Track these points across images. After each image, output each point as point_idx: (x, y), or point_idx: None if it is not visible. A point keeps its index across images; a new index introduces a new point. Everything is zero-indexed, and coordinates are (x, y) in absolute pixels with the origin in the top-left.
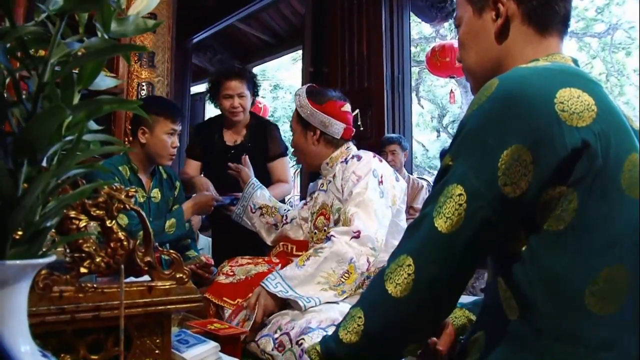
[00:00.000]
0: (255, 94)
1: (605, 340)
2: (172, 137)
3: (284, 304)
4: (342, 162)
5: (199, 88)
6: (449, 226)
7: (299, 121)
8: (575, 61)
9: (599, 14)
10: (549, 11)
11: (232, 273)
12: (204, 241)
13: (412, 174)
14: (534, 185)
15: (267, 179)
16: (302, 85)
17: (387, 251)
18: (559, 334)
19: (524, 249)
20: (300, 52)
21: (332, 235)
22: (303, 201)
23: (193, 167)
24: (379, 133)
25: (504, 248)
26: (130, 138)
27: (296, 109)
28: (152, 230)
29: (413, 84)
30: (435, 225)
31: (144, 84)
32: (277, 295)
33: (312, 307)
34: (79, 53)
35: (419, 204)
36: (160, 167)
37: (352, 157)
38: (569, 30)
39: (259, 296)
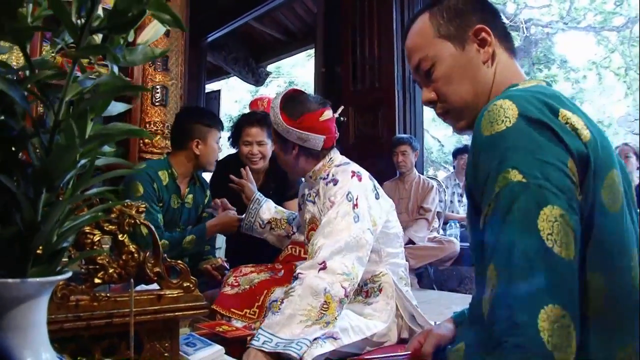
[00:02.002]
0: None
1: (579, 344)
2: (218, 145)
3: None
4: (323, 178)
5: (214, 86)
6: (571, 252)
7: (277, 136)
8: (548, 84)
9: (618, 6)
10: (511, 39)
11: (236, 284)
12: (222, 239)
13: (422, 174)
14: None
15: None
16: (315, 84)
17: (382, 260)
18: None
19: None
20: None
21: (299, 273)
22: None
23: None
24: (390, 133)
25: None
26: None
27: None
28: (167, 243)
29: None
30: (561, 256)
31: (158, 87)
32: (264, 349)
33: (305, 352)
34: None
35: (428, 204)
36: (196, 175)
37: (331, 181)
38: (587, 25)
39: (247, 357)
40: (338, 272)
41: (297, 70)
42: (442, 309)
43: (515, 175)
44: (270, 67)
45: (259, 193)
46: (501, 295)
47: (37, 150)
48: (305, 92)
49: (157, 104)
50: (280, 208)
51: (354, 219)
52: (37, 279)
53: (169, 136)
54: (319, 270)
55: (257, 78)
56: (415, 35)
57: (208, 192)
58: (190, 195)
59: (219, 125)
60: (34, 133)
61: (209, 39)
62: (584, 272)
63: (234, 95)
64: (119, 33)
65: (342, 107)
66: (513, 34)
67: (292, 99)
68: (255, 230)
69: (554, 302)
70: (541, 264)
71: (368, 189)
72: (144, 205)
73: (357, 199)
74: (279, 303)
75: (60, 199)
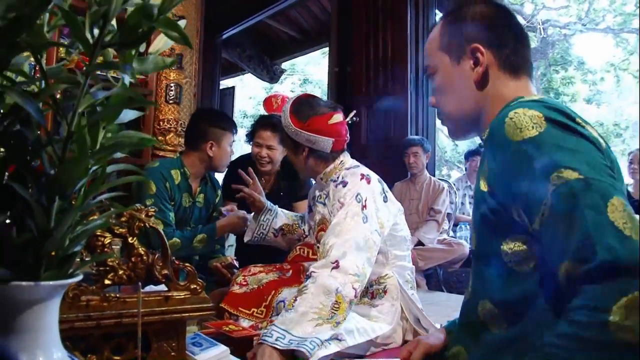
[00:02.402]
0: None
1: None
2: (231, 147)
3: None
4: (334, 181)
5: (229, 82)
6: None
7: (287, 138)
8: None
9: (638, 8)
10: (519, 58)
11: (245, 283)
12: (233, 237)
13: (434, 176)
14: None
15: None
16: (328, 84)
17: (389, 262)
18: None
19: (532, 265)
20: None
21: (312, 272)
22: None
23: (229, 205)
24: (402, 134)
25: (512, 271)
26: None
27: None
28: (178, 242)
29: None
30: (633, 237)
31: (172, 85)
32: (277, 346)
33: (316, 351)
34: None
35: (439, 206)
36: (207, 175)
37: (340, 183)
38: (605, 26)
39: (262, 355)
40: (350, 272)
41: (312, 68)
42: (450, 311)
43: (571, 174)
44: (284, 65)
45: (269, 203)
46: (589, 292)
47: (51, 159)
48: (317, 97)
49: (170, 101)
50: (289, 213)
51: (363, 219)
52: (50, 282)
53: (182, 134)
54: (332, 270)
55: (272, 75)
56: (428, 42)
57: (219, 192)
58: (202, 195)
59: (234, 129)
60: (47, 142)
61: (224, 37)
62: None
63: (248, 92)
64: (129, 48)
65: (354, 112)
66: (530, 35)
67: (303, 103)
68: (267, 239)
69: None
70: (627, 254)
71: (376, 191)
72: (153, 210)
73: (365, 201)
74: (292, 301)
75: (73, 202)
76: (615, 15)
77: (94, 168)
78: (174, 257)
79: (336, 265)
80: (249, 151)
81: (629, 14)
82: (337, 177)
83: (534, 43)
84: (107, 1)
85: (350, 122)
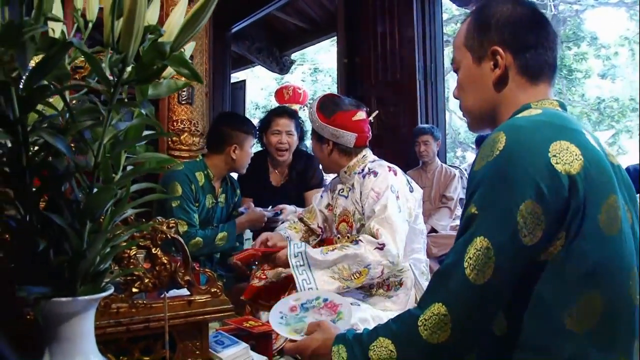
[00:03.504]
0: (301, 138)
1: (577, 354)
2: (251, 149)
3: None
4: (359, 173)
5: (240, 74)
6: (481, 278)
7: (313, 132)
8: (561, 104)
9: None
10: (540, 63)
11: (264, 276)
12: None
13: (445, 163)
14: (547, 232)
15: (302, 206)
16: (338, 75)
17: (407, 255)
18: (538, 347)
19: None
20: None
21: (359, 240)
22: (323, 192)
23: (246, 203)
24: (412, 123)
25: None
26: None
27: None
28: (201, 241)
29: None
30: (468, 277)
31: None
32: (291, 262)
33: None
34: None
35: (450, 193)
36: (228, 175)
37: (369, 173)
38: (618, 0)
39: (280, 258)
40: (389, 258)
41: (322, 57)
42: None
43: (472, 208)
44: (294, 55)
45: (280, 231)
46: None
47: (79, 184)
48: (342, 96)
49: (183, 102)
50: (297, 225)
51: (398, 209)
52: (86, 297)
53: (195, 133)
54: (376, 248)
55: (282, 67)
56: (456, 36)
57: (239, 191)
58: (224, 195)
59: (255, 133)
60: (76, 170)
61: (233, 30)
62: (582, 292)
63: (259, 83)
64: (145, 84)
65: (376, 112)
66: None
67: (329, 100)
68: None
69: (443, 303)
70: (448, 279)
71: (403, 182)
72: (173, 222)
73: (398, 192)
74: (330, 247)
75: (102, 220)
76: None
77: (119, 192)
78: (197, 256)
79: (381, 247)
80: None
81: None
82: (363, 169)
83: None
84: (125, 48)
85: (372, 120)
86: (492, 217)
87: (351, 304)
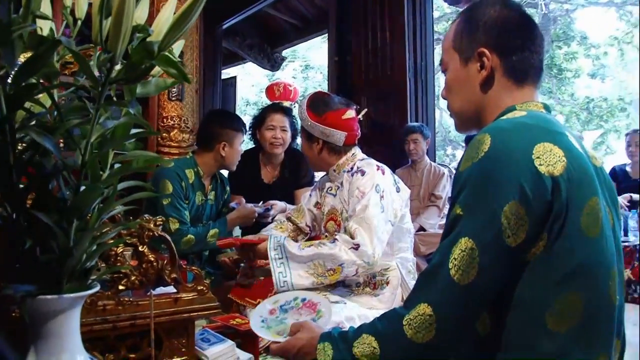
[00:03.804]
0: (293, 136)
1: (556, 352)
2: (241, 146)
3: None
4: (348, 171)
5: (231, 71)
6: (465, 278)
7: (303, 131)
8: (546, 107)
9: None
10: (526, 65)
11: (252, 274)
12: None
13: (434, 162)
14: (530, 233)
15: (293, 203)
16: (329, 73)
17: (394, 254)
18: (521, 346)
19: None
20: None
21: (336, 239)
22: (311, 191)
23: (237, 200)
24: (402, 122)
25: None
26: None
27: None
28: (193, 238)
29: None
30: (453, 277)
31: None
32: (270, 255)
33: (284, 290)
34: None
35: (439, 191)
36: (217, 172)
37: (357, 171)
38: (607, 0)
39: (260, 251)
40: (364, 259)
41: (313, 53)
42: None
43: (457, 209)
44: (285, 52)
45: (267, 231)
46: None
47: (66, 182)
48: (332, 94)
49: (173, 99)
50: (283, 223)
51: (381, 209)
52: (72, 295)
53: (186, 130)
54: (350, 248)
55: (273, 63)
56: (445, 37)
57: (228, 188)
58: (213, 192)
59: (245, 130)
60: (63, 168)
61: (224, 26)
62: (563, 292)
63: (250, 80)
64: (133, 83)
65: (365, 110)
66: (531, 11)
67: (319, 99)
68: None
69: (428, 303)
70: (434, 279)
71: (390, 182)
72: (161, 220)
73: (383, 192)
74: (309, 243)
75: (89, 218)
76: None
77: (106, 190)
78: (187, 254)
79: (356, 248)
80: (251, 146)
81: None
82: (352, 168)
83: (535, 19)
84: (113, 47)
85: (361, 118)
86: (476, 218)
87: (337, 302)
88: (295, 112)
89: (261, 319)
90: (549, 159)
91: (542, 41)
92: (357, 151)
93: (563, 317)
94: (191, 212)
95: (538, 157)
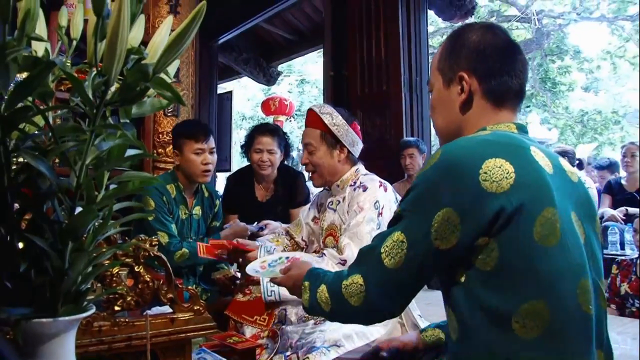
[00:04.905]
0: (286, 153)
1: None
2: (200, 155)
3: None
4: (351, 185)
5: (227, 85)
6: (393, 264)
7: (325, 140)
8: (520, 127)
9: None
10: (504, 89)
11: (249, 291)
12: None
13: None
14: (462, 240)
15: (288, 222)
16: (324, 87)
17: None
18: (491, 352)
19: (462, 279)
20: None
21: (324, 254)
22: (310, 206)
23: (232, 220)
24: (397, 136)
25: (448, 277)
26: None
27: (321, 128)
28: (187, 252)
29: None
30: (383, 260)
31: None
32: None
33: (271, 300)
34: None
35: None
36: (203, 186)
37: (360, 187)
38: (600, 15)
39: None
40: None
41: (309, 68)
42: None
43: (399, 209)
44: (281, 66)
45: (259, 241)
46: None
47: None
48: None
49: (169, 114)
50: (280, 236)
51: (377, 226)
52: (67, 318)
53: None
54: (337, 264)
55: (268, 78)
56: (432, 59)
57: (217, 202)
58: (198, 207)
59: (196, 137)
60: (58, 190)
61: (220, 41)
62: (527, 299)
63: (246, 94)
64: (128, 104)
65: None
66: (525, 26)
67: (337, 108)
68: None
69: (361, 275)
70: (369, 257)
71: (391, 200)
72: (156, 240)
73: (382, 209)
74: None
75: (84, 238)
76: (610, 2)
77: (102, 212)
78: (181, 269)
79: (343, 263)
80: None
81: (623, 1)
82: (355, 182)
83: (529, 34)
84: (108, 70)
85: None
86: (412, 218)
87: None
88: (288, 125)
89: (255, 271)
90: (495, 176)
91: (525, 66)
92: (360, 167)
93: (528, 324)
94: (176, 227)
95: (485, 173)
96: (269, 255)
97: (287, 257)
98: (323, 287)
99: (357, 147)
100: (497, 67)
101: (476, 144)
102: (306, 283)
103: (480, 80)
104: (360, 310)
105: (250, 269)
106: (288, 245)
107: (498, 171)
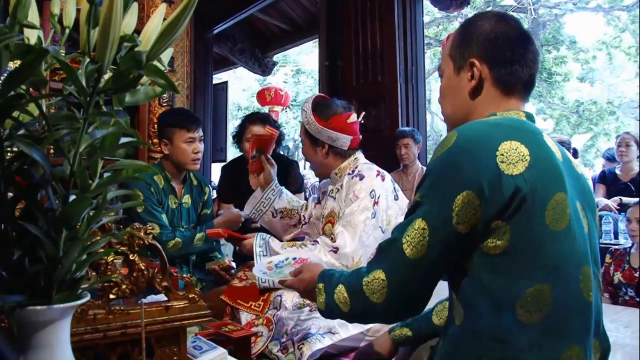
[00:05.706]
0: (278, 142)
1: (529, 343)
2: (191, 144)
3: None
4: (349, 174)
5: (222, 76)
6: (415, 253)
7: (307, 136)
8: (529, 115)
9: None
10: (514, 78)
11: (245, 277)
12: (230, 246)
13: (425, 166)
14: (482, 222)
15: None
16: (319, 78)
17: None
18: (494, 337)
19: (470, 264)
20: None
21: (316, 241)
22: (315, 197)
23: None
24: (393, 126)
25: (455, 263)
26: (160, 148)
27: (303, 124)
28: (180, 241)
29: (438, 63)
30: (405, 251)
31: None
32: (256, 251)
33: (265, 286)
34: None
35: None
36: (191, 174)
37: (357, 175)
38: (596, 5)
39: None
40: (342, 262)
41: (304, 58)
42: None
43: (418, 196)
44: (276, 56)
45: (276, 181)
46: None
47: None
48: (331, 98)
49: (164, 104)
50: (292, 197)
51: (371, 215)
52: (61, 305)
53: None
54: (329, 251)
55: (264, 68)
56: (444, 46)
57: (207, 189)
58: (187, 196)
59: (187, 126)
60: (52, 178)
61: (215, 31)
62: (533, 283)
63: (242, 85)
64: (122, 92)
65: (363, 113)
66: (521, 16)
67: (322, 103)
68: (264, 218)
69: (383, 270)
70: (389, 251)
71: (389, 189)
72: (151, 227)
73: (378, 198)
74: (291, 244)
75: (78, 227)
76: None
77: (95, 200)
78: (174, 258)
79: (335, 251)
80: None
81: None
82: (353, 171)
83: (525, 24)
84: (101, 58)
85: (362, 121)
86: (432, 203)
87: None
88: (284, 116)
89: (262, 272)
90: (511, 157)
91: (536, 57)
92: (359, 155)
93: (531, 308)
94: (167, 217)
95: (502, 155)
96: (275, 256)
97: (293, 258)
98: (341, 287)
99: (340, 142)
100: (508, 56)
101: (491, 127)
102: (320, 285)
103: (491, 67)
104: (382, 307)
105: (257, 270)
106: (298, 212)
107: (514, 153)
